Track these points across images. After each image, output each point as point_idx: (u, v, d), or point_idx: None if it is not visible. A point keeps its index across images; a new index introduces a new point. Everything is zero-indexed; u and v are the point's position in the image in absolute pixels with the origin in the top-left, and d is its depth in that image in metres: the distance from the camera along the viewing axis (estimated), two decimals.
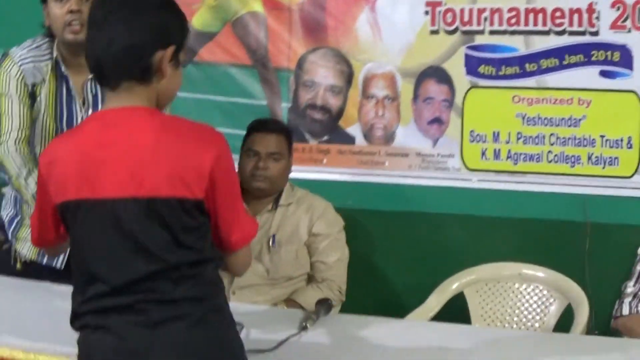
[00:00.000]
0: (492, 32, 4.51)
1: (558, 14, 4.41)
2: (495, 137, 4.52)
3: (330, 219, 3.48)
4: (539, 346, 2.69)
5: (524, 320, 3.61)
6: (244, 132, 4.75)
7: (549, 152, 4.45)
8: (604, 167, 4.35)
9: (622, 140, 4.34)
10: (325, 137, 4.83)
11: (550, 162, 4.45)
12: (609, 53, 4.35)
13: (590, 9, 4.35)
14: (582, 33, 4.37)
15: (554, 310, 3.55)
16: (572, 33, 4.40)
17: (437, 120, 4.63)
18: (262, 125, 3.58)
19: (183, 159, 2.06)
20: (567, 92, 4.41)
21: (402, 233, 4.68)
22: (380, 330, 2.89)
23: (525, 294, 3.69)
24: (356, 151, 4.77)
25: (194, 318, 2.04)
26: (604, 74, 4.37)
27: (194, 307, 2.06)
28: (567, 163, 4.42)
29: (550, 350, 2.60)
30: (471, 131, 4.56)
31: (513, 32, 4.48)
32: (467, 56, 4.55)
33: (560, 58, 4.41)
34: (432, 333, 2.90)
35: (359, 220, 4.70)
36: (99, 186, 2.04)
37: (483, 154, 4.54)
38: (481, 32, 4.53)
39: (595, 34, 4.36)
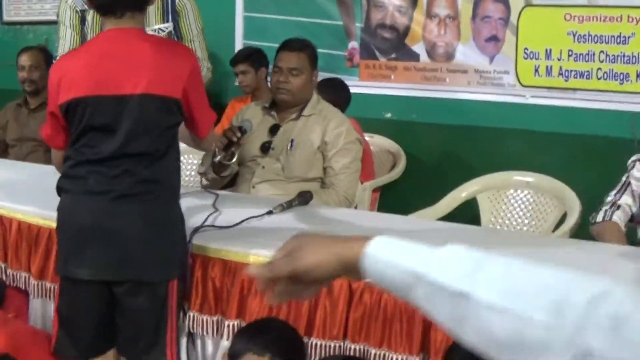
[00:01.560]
0: None
1: None
2: (548, 54, 4.66)
3: (342, 131, 3.78)
4: (508, 241, 2.91)
5: (527, 223, 3.84)
6: (323, 50, 5.19)
7: (599, 69, 4.54)
8: None
9: None
10: (393, 55, 5.14)
11: (599, 79, 4.54)
12: None
13: None
14: None
15: (555, 214, 3.77)
16: None
17: (493, 38, 4.81)
18: (285, 45, 3.96)
19: (169, 67, 2.65)
20: (616, 10, 4.46)
21: (461, 145, 4.96)
22: (354, 220, 3.21)
23: (531, 200, 3.90)
24: (420, 68, 5.06)
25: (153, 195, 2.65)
26: None
27: (155, 186, 2.66)
28: (616, 80, 4.50)
29: (516, 244, 2.81)
30: (525, 48, 4.72)
31: None
32: None
33: None
34: (406, 225, 3.16)
35: (421, 133, 5.04)
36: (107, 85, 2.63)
37: (536, 70, 4.70)
38: None
39: None
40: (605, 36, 4.50)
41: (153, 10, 3.72)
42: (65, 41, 3.80)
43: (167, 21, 3.74)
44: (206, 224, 2.95)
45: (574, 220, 3.57)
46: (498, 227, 3.89)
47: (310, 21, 5.38)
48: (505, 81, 4.80)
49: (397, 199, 4.82)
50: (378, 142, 5.08)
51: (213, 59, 5.71)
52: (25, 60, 5.23)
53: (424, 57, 5.04)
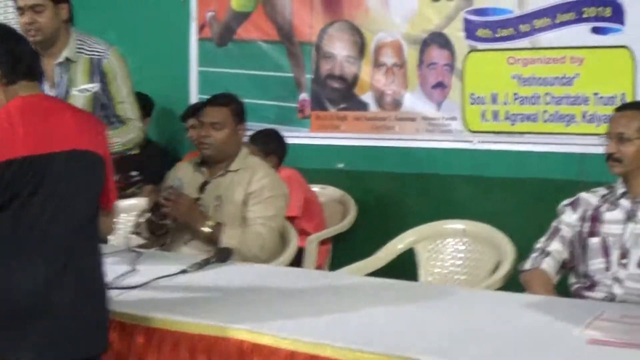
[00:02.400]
0: None
1: None
2: (494, 98, 4.61)
3: (265, 183, 3.74)
4: (411, 295, 2.85)
5: (465, 272, 3.76)
6: (274, 103, 5.19)
7: (545, 111, 4.49)
8: (598, 125, 4.33)
9: (615, 97, 4.32)
10: (343, 105, 5.11)
11: (545, 121, 4.50)
12: (600, 9, 4.32)
13: None
14: None
15: (491, 262, 3.69)
16: None
17: (440, 85, 4.78)
18: (209, 100, 3.96)
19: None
20: (559, 51, 4.43)
21: (413, 193, 4.91)
22: (274, 278, 3.15)
23: (467, 249, 3.82)
24: (369, 117, 5.02)
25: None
26: (595, 30, 4.36)
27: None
28: (562, 122, 4.46)
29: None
30: (471, 94, 4.68)
31: None
32: (466, 20, 4.67)
33: (553, 17, 4.44)
34: (325, 281, 3.13)
35: (372, 182, 5.00)
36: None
37: (483, 115, 4.65)
38: None
39: None
40: (549, 78, 4.47)
41: (80, 71, 3.73)
42: None
43: (93, 82, 3.75)
44: (113, 285, 2.89)
45: (507, 268, 3.48)
46: (436, 277, 3.81)
47: (263, 74, 5.38)
48: (453, 127, 4.75)
49: (349, 249, 4.74)
50: (329, 192, 5.05)
51: (169, 114, 5.79)
52: None
53: (372, 106, 5.01)
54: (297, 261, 4.60)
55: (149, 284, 2.93)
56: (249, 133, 4.93)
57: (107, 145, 2.60)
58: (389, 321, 2.53)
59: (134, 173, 5.56)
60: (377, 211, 4.97)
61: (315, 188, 5.03)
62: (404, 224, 4.49)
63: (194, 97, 5.67)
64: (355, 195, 4.98)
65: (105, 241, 2.72)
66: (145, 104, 5.60)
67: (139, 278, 3.01)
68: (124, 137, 3.78)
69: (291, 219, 4.57)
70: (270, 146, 4.78)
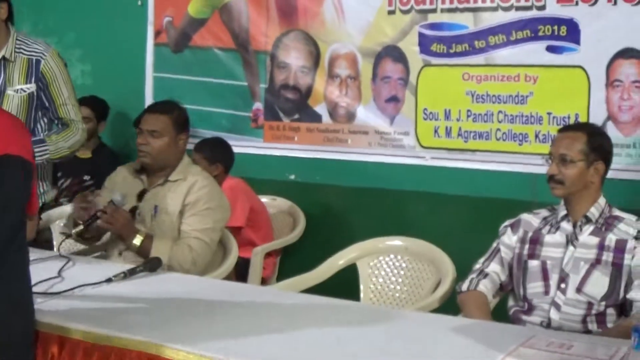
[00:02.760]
0: (443, 10, 4.53)
1: None
2: (447, 114, 4.55)
3: (202, 194, 3.64)
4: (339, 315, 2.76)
5: (405, 290, 3.69)
6: (228, 111, 5.10)
7: (498, 129, 4.43)
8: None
9: (569, 117, 4.26)
10: (296, 116, 5.04)
11: (498, 139, 4.43)
12: (555, 27, 4.26)
13: None
14: (529, 8, 4.32)
15: (432, 281, 3.62)
16: (519, 8, 4.35)
17: (393, 99, 4.71)
18: (148, 107, 3.87)
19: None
20: (514, 69, 4.37)
21: (363, 208, 4.84)
22: (205, 290, 3.04)
23: (409, 267, 3.76)
24: (322, 129, 4.94)
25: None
26: (550, 49, 4.29)
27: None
28: (515, 141, 4.39)
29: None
30: (424, 109, 4.61)
31: (463, 10, 4.48)
32: (420, 35, 4.60)
33: (508, 34, 4.37)
34: (256, 297, 2.99)
35: (323, 195, 4.92)
36: None
37: (436, 131, 4.59)
38: (434, 11, 4.56)
39: (542, 8, 4.28)
40: (503, 96, 4.41)
41: (17, 70, 3.65)
42: None
43: (30, 82, 3.66)
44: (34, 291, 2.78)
45: (445, 288, 3.40)
46: (376, 294, 3.73)
47: (217, 82, 5.30)
48: (405, 142, 4.68)
49: (297, 262, 4.66)
50: (279, 204, 4.97)
51: (124, 119, 5.69)
52: None
53: (326, 118, 4.93)
54: (243, 273, 4.53)
55: (70, 291, 2.84)
56: (197, 141, 4.88)
57: (32, 151, 2.52)
58: (312, 341, 2.45)
59: (86, 177, 5.48)
60: (326, 224, 4.90)
61: (265, 199, 4.95)
62: (352, 238, 4.41)
63: (149, 103, 5.55)
64: (306, 208, 4.91)
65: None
66: (100, 107, 5.54)
67: (63, 285, 2.92)
68: (68, 140, 3.72)
69: (237, 229, 4.50)
70: (217, 155, 4.70)
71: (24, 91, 3.66)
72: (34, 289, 2.67)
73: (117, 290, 2.94)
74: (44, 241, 4.60)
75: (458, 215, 4.55)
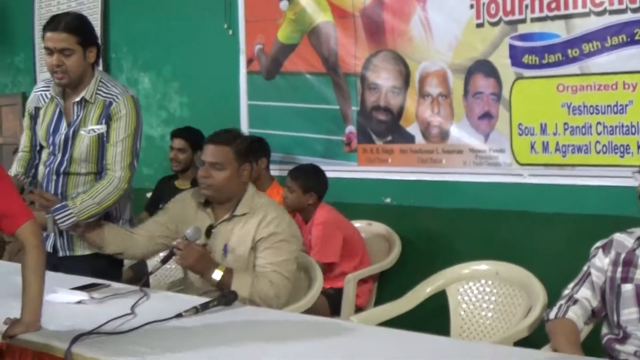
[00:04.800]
0: (533, 20, 4.34)
1: None
2: (543, 129, 4.34)
3: (274, 228, 3.55)
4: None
5: (497, 317, 3.52)
6: (321, 136, 5.06)
7: (597, 142, 4.18)
8: None
9: None
10: (389, 137, 4.92)
11: (598, 152, 4.19)
12: None
13: None
14: (624, 11, 4.07)
15: (523, 306, 3.44)
16: (612, 12, 4.11)
17: (487, 115, 4.53)
18: (210, 138, 3.79)
19: None
20: (611, 77, 4.13)
21: (461, 230, 4.67)
22: (280, 325, 2.93)
23: (500, 292, 3.58)
24: (416, 150, 4.81)
25: None
26: None
27: None
28: (616, 153, 4.14)
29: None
30: (519, 124, 4.41)
31: (554, 18, 4.27)
32: (511, 47, 4.41)
33: (602, 40, 4.14)
34: (328, 331, 2.84)
35: (419, 218, 4.78)
36: None
37: (532, 147, 4.38)
38: (523, 21, 4.37)
39: (638, 10, 4.03)
40: (601, 106, 4.16)
41: (93, 112, 3.69)
42: (20, 142, 4.03)
43: (102, 124, 3.69)
44: (101, 330, 2.73)
45: (536, 314, 3.22)
46: (467, 321, 3.57)
47: (310, 107, 5.26)
48: (501, 160, 4.49)
49: (395, 287, 4.54)
50: (375, 229, 4.86)
51: None
52: None
53: (419, 138, 4.79)
54: (337, 303, 4.44)
55: (139, 329, 2.78)
56: (291, 166, 4.84)
57: None
58: None
59: None
60: (423, 248, 4.76)
61: (360, 224, 4.86)
62: (450, 261, 4.26)
63: (244, 130, 5.58)
64: (401, 231, 4.78)
65: None
66: (195, 138, 5.57)
67: (135, 321, 2.87)
68: (96, 196, 3.62)
69: (330, 264, 4.43)
70: (310, 183, 4.63)
71: (94, 131, 3.69)
72: (106, 327, 2.66)
73: (189, 326, 2.88)
74: (141, 273, 4.66)
75: (559, 235, 4.33)
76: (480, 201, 4.57)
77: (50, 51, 3.65)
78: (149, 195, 5.77)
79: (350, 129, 5.09)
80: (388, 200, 4.95)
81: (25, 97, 7.45)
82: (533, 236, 4.41)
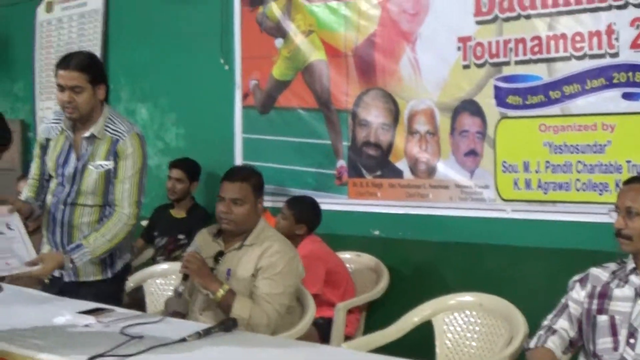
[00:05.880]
0: (517, 62, 4.55)
1: (578, 38, 4.36)
2: (526, 166, 4.54)
3: (276, 260, 3.73)
4: None
5: (480, 346, 3.68)
6: (313, 169, 5.24)
7: (577, 180, 4.39)
8: None
9: None
10: (379, 172, 5.11)
11: (578, 190, 4.39)
12: (630, 74, 4.22)
13: (610, 30, 4.26)
14: (603, 56, 4.29)
15: (505, 337, 3.60)
16: (592, 56, 4.33)
17: (472, 153, 4.73)
18: (227, 174, 3.99)
19: None
20: (590, 118, 4.34)
21: (447, 262, 4.85)
22: (277, 351, 3.05)
23: (483, 323, 3.75)
24: (404, 184, 5.00)
25: None
26: (626, 96, 4.24)
27: None
28: (595, 191, 4.34)
29: None
30: (503, 162, 4.62)
31: (537, 61, 4.49)
32: (496, 88, 4.62)
33: (582, 83, 4.35)
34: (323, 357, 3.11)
35: (407, 250, 4.96)
36: None
37: (515, 183, 4.58)
38: (507, 64, 4.58)
39: (616, 55, 4.25)
40: (581, 145, 4.37)
41: (102, 148, 3.86)
42: (30, 170, 4.19)
43: (109, 160, 3.87)
44: (112, 352, 2.88)
45: (517, 344, 3.39)
46: (452, 350, 3.75)
47: (302, 141, 5.44)
48: (485, 196, 4.69)
49: (383, 317, 4.70)
50: (364, 260, 5.03)
51: (215, 179, 5.84)
52: (22, 186, 5.42)
53: (407, 173, 4.99)
54: (325, 333, 4.59)
55: (146, 351, 2.94)
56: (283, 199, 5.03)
57: None
58: None
59: (180, 236, 5.68)
60: (411, 279, 4.93)
61: (349, 255, 5.03)
62: (436, 292, 4.43)
63: (238, 162, 5.77)
64: (389, 263, 4.95)
65: None
66: (192, 169, 5.75)
67: (140, 345, 3.02)
68: (106, 234, 3.79)
69: (313, 295, 4.59)
70: (303, 215, 4.82)
71: (102, 167, 3.86)
72: (115, 350, 2.82)
73: (192, 349, 3.04)
74: (138, 299, 4.81)
75: (540, 268, 4.51)
76: (465, 235, 4.76)
77: (61, 88, 3.84)
78: (144, 223, 5.92)
79: (341, 163, 5.28)
80: (377, 232, 5.13)
81: (24, 125, 7.64)
82: (515, 269, 4.59)
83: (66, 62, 3.84)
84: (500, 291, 4.09)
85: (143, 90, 6.48)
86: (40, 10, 7.47)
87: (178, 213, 5.81)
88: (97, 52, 6.64)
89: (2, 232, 3.56)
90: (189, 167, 5.74)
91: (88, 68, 3.84)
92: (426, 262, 4.94)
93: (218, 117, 5.91)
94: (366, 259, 5.03)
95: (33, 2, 7.49)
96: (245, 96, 5.77)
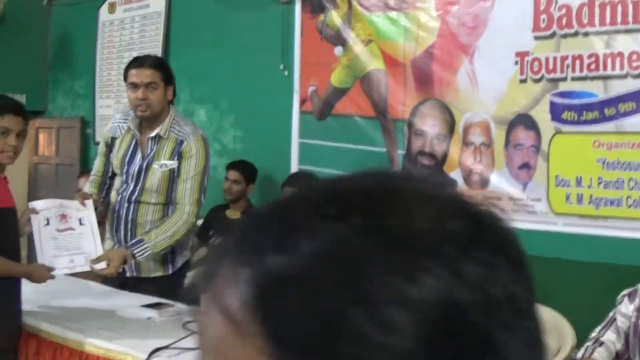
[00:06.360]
0: (574, 79, 4.61)
1: (635, 56, 4.41)
2: (578, 181, 4.60)
3: None
4: None
5: None
6: None
7: (629, 197, 4.45)
8: None
9: None
10: None
11: (630, 206, 4.45)
12: None
13: None
14: None
15: (553, 347, 3.68)
16: None
17: (526, 166, 4.81)
18: (290, 181, 4.17)
19: None
20: None
21: None
22: None
23: None
24: None
25: None
26: None
27: None
28: None
29: None
30: (556, 176, 4.69)
31: (593, 78, 4.55)
32: (551, 103, 4.69)
33: (638, 101, 4.40)
34: None
35: None
36: None
37: (567, 198, 4.65)
38: (564, 79, 4.65)
39: None
40: (634, 163, 4.42)
41: (166, 147, 4.02)
42: (94, 166, 4.29)
43: (173, 160, 4.02)
44: (176, 345, 3.01)
45: (564, 354, 3.48)
46: None
47: (358, 148, 5.54)
48: (537, 209, 4.76)
49: None
50: None
51: (271, 182, 6.02)
52: (82, 183, 5.62)
53: (460, 183, 5.07)
54: None
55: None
56: None
57: None
58: None
59: None
60: None
61: None
62: None
63: (294, 167, 5.89)
64: None
65: None
66: (249, 171, 5.90)
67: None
68: (168, 230, 3.95)
69: None
70: None
71: (166, 166, 4.02)
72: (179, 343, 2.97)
73: None
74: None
75: (589, 282, 4.56)
76: None
77: (135, 86, 3.99)
78: (199, 222, 6.08)
79: None
80: None
81: (83, 121, 7.85)
82: (564, 282, 4.65)
83: (140, 61, 4.02)
84: (548, 303, 4.17)
85: (202, 92, 6.64)
86: (103, 11, 7.66)
87: (233, 214, 5.96)
88: (158, 53, 6.81)
89: (73, 228, 3.73)
90: (246, 169, 5.89)
91: (161, 66, 4.01)
92: None
93: (276, 122, 6.04)
94: None
95: (96, 2, 7.69)
96: (303, 102, 5.90)
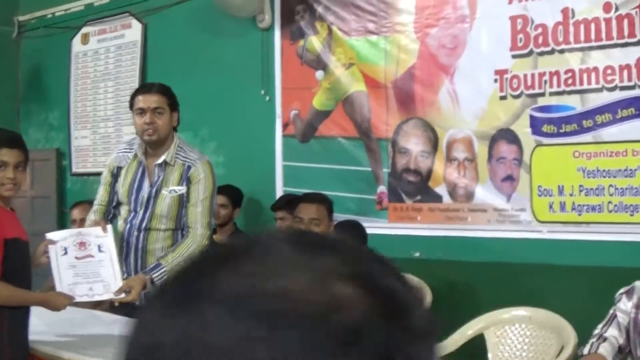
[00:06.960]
0: (552, 94, 4.87)
1: (609, 71, 4.68)
2: (560, 190, 4.85)
3: None
4: None
5: (531, 357, 3.98)
6: (354, 195, 5.52)
7: (609, 202, 4.70)
8: None
9: None
10: (418, 197, 5.42)
11: (611, 211, 4.70)
12: None
13: (639, 64, 4.58)
14: (633, 87, 4.62)
15: (554, 347, 3.90)
16: (623, 88, 4.65)
17: (509, 178, 5.04)
18: (306, 197, 4.40)
19: None
20: (621, 145, 4.66)
21: (486, 281, 5.13)
22: None
23: (533, 335, 4.05)
24: (443, 208, 5.31)
25: None
26: None
27: None
28: (626, 212, 4.65)
29: None
30: (539, 186, 4.93)
31: (570, 92, 4.81)
32: (531, 117, 4.94)
33: (613, 112, 4.67)
34: None
35: (447, 270, 5.25)
36: None
37: (550, 206, 4.89)
38: (542, 95, 4.91)
39: None
40: (612, 170, 4.68)
41: (174, 174, 4.15)
42: (97, 196, 4.32)
43: (182, 185, 4.16)
44: None
45: (568, 353, 3.69)
46: None
47: (343, 168, 5.73)
48: (522, 218, 5.00)
49: None
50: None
51: (256, 205, 6.17)
52: (76, 214, 5.70)
53: (446, 198, 5.29)
54: None
55: None
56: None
57: None
58: None
59: None
60: (451, 298, 5.21)
61: None
62: (477, 310, 4.72)
63: (279, 189, 6.05)
64: (431, 283, 5.22)
65: None
66: (235, 195, 6.04)
67: None
68: (183, 254, 4.05)
69: None
70: (350, 235, 5.10)
71: (176, 192, 4.16)
72: None
73: None
74: None
75: (575, 285, 4.80)
76: (503, 255, 5.06)
77: (142, 111, 4.13)
78: None
79: (382, 189, 5.58)
80: (417, 254, 5.42)
81: (59, 153, 7.90)
82: (551, 286, 4.88)
83: (146, 88, 4.17)
84: (540, 306, 4.41)
85: (183, 120, 6.67)
86: (76, 42, 7.70)
87: (220, 238, 6.09)
88: (136, 82, 6.92)
89: (92, 255, 3.83)
90: (232, 194, 6.03)
91: (167, 92, 4.16)
92: (466, 281, 5.23)
93: (259, 146, 6.18)
94: (409, 280, 5.30)
95: (68, 34, 7.74)
96: (285, 125, 6.06)
